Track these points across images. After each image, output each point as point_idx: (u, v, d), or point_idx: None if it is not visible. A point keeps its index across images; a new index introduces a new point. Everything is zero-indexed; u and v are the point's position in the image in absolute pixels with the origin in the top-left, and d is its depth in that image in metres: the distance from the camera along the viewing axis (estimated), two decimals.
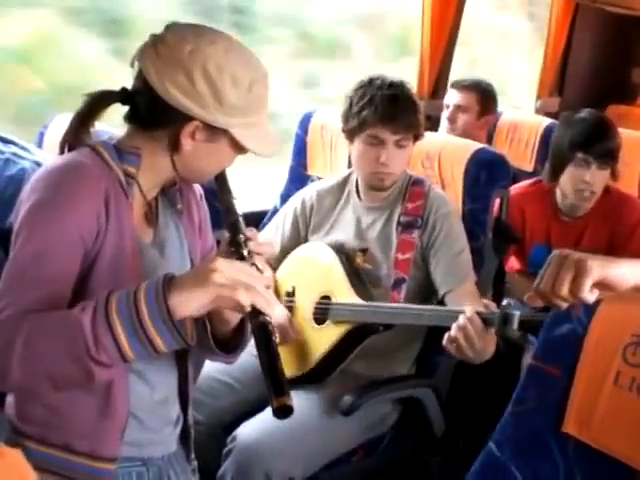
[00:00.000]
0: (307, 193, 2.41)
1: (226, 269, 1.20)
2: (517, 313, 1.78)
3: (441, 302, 2.16)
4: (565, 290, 1.20)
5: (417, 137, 2.22)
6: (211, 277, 1.19)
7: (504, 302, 1.80)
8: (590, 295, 1.20)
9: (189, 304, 1.19)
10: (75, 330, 1.17)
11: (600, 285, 1.20)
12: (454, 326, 1.80)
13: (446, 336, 1.82)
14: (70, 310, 1.22)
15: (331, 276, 2.22)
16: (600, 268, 1.19)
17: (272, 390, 1.22)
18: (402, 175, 2.26)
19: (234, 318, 1.42)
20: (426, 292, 2.21)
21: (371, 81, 2.17)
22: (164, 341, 1.20)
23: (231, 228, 1.40)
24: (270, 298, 1.27)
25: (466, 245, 2.23)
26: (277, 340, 1.28)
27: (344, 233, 2.30)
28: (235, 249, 1.37)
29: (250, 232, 1.40)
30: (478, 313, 1.80)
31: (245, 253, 1.36)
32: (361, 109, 2.14)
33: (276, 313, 1.67)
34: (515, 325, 1.78)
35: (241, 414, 2.10)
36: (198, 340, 1.42)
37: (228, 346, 1.49)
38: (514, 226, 2.66)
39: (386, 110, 2.11)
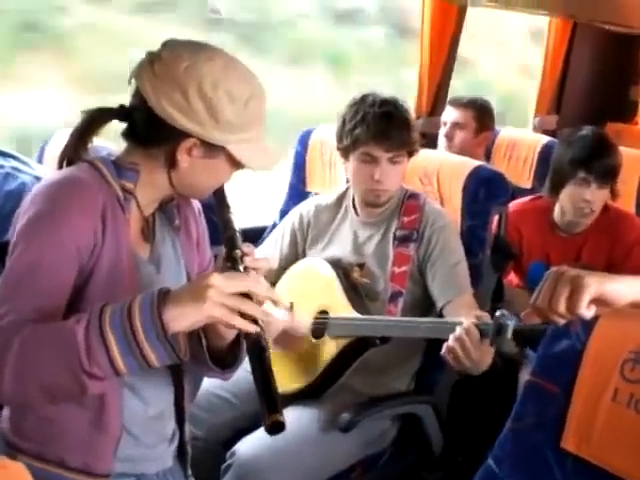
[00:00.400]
0: (305, 208, 2.42)
1: (221, 285, 1.21)
2: (511, 323, 1.79)
3: (439, 315, 2.16)
4: (562, 307, 1.20)
5: (411, 153, 2.22)
6: (206, 293, 1.19)
7: (497, 313, 1.80)
8: (587, 311, 1.20)
9: (183, 319, 1.19)
10: (69, 342, 1.17)
11: (597, 301, 1.20)
12: (451, 337, 1.81)
13: (444, 347, 1.83)
14: (64, 322, 1.22)
15: (329, 291, 2.22)
16: (597, 284, 1.19)
17: (265, 407, 1.22)
18: (398, 190, 2.27)
19: (230, 333, 1.42)
20: (423, 305, 2.21)
21: (364, 99, 2.17)
22: (157, 356, 1.20)
23: (228, 243, 1.40)
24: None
25: (463, 257, 2.23)
26: (270, 356, 1.28)
27: (341, 248, 2.30)
28: (231, 264, 1.36)
29: (247, 248, 1.40)
30: (474, 324, 1.81)
31: (241, 269, 1.35)
32: (354, 127, 2.15)
33: (279, 319, 1.66)
34: (509, 335, 1.79)
35: (240, 429, 2.10)
36: (194, 356, 1.42)
37: (224, 362, 1.48)
38: (512, 243, 2.67)
39: (378, 128, 2.12)
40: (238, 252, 1.38)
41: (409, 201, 2.27)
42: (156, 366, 1.22)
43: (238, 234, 1.42)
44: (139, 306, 1.19)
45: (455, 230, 2.30)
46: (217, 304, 1.19)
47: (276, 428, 1.22)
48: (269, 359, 1.27)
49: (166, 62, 1.33)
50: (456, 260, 2.20)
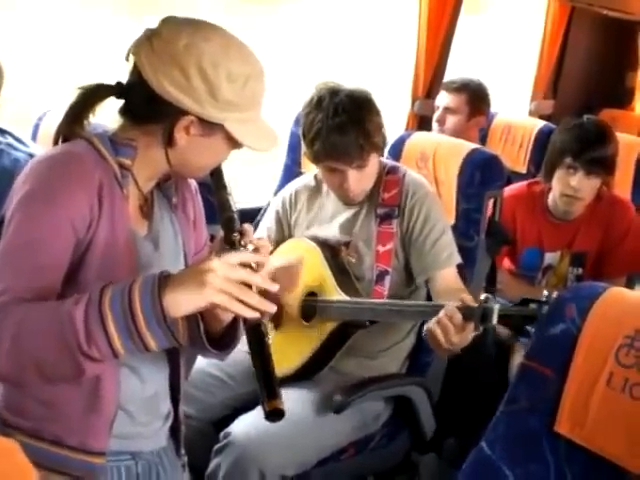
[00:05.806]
0: (287, 192, 2.39)
1: (222, 271, 1.20)
2: (496, 307, 1.77)
3: (427, 290, 2.16)
4: None
5: (378, 150, 2.16)
6: (207, 278, 1.18)
7: (482, 296, 1.79)
8: None
9: (183, 304, 1.19)
10: (67, 324, 1.16)
11: None
12: (433, 320, 1.78)
13: (425, 327, 1.82)
14: (62, 302, 1.21)
15: (316, 272, 2.21)
16: None
17: (264, 393, 1.22)
18: (373, 178, 2.21)
19: (227, 316, 1.41)
20: (410, 283, 2.20)
21: (319, 104, 2.07)
22: (156, 340, 1.19)
23: (226, 225, 1.40)
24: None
25: (446, 228, 2.19)
26: (270, 342, 1.28)
27: (326, 228, 2.28)
28: (230, 246, 1.36)
29: (246, 226, 1.40)
30: (458, 307, 1.78)
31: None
32: (312, 141, 2.08)
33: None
34: (494, 319, 1.77)
35: (233, 410, 2.10)
36: (190, 337, 1.41)
37: (220, 343, 1.48)
38: (506, 228, 2.66)
39: (334, 145, 2.03)
40: (236, 234, 1.37)
41: (388, 176, 2.23)
42: (155, 350, 1.22)
43: (236, 216, 1.41)
44: (139, 290, 1.18)
45: (437, 199, 2.26)
46: (218, 290, 1.18)
47: (275, 415, 1.21)
48: (268, 345, 1.26)
49: (165, 39, 1.31)
50: (439, 232, 2.16)
